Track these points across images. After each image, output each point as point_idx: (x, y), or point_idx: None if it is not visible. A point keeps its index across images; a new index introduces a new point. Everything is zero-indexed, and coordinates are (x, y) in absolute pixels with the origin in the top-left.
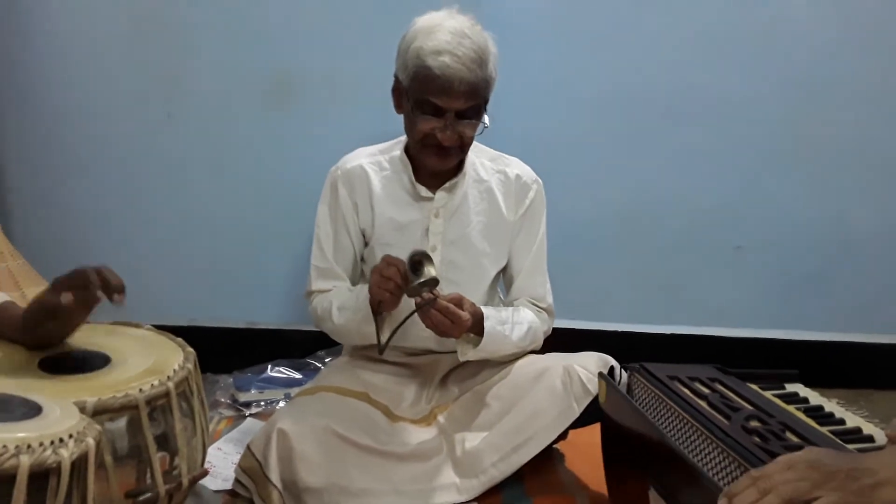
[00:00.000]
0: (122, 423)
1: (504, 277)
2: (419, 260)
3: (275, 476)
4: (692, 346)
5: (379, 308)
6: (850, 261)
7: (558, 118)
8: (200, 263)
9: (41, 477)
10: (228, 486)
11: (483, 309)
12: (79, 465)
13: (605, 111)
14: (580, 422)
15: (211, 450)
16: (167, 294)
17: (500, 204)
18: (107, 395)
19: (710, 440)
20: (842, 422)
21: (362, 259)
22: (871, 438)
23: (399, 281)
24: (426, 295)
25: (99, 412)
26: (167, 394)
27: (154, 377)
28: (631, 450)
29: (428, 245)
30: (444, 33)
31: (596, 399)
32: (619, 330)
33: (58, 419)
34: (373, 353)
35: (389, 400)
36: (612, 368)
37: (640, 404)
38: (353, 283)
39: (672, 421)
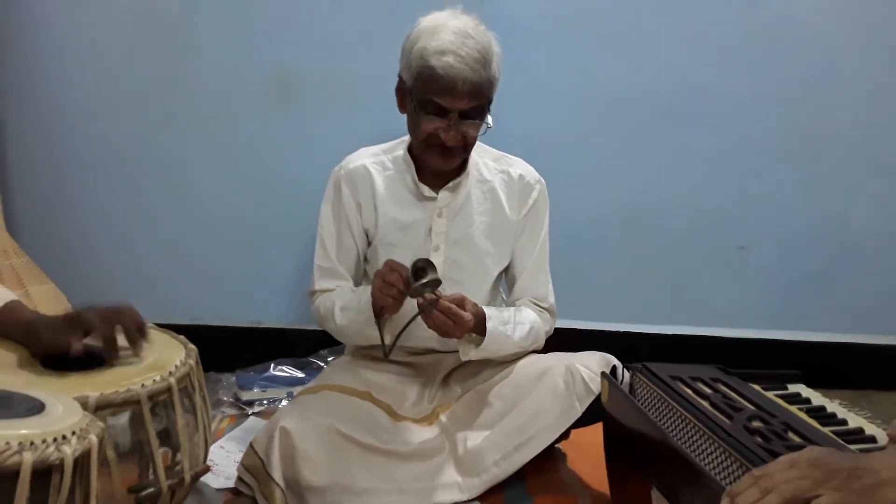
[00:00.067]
0: (124, 418)
1: (506, 277)
2: (422, 267)
3: (277, 474)
4: (693, 347)
5: (381, 311)
6: (851, 261)
7: (559, 118)
8: (202, 262)
9: (44, 474)
10: (231, 484)
11: (485, 309)
12: (82, 461)
13: (606, 111)
14: (582, 421)
15: (213, 448)
16: (169, 293)
17: (503, 204)
18: (109, 390)
19: (713, 440)
20: (844, 422)
21: (365, 259)
22: (873, 439)
23: (401, 287)
24: (429, 295)
25: (101, 407)
26: (169, 389)
27: (156, 373)
28: (633, 449)
29: (431, 245)
30: (448, 33)
31: (598, 398)
32: (621, 330)
33: (60, 416)
34: (375, 353)
35: (392, 399)
36: (614, 368)
37: (642, 404)
38: (357, 283)
39: (674, 421)
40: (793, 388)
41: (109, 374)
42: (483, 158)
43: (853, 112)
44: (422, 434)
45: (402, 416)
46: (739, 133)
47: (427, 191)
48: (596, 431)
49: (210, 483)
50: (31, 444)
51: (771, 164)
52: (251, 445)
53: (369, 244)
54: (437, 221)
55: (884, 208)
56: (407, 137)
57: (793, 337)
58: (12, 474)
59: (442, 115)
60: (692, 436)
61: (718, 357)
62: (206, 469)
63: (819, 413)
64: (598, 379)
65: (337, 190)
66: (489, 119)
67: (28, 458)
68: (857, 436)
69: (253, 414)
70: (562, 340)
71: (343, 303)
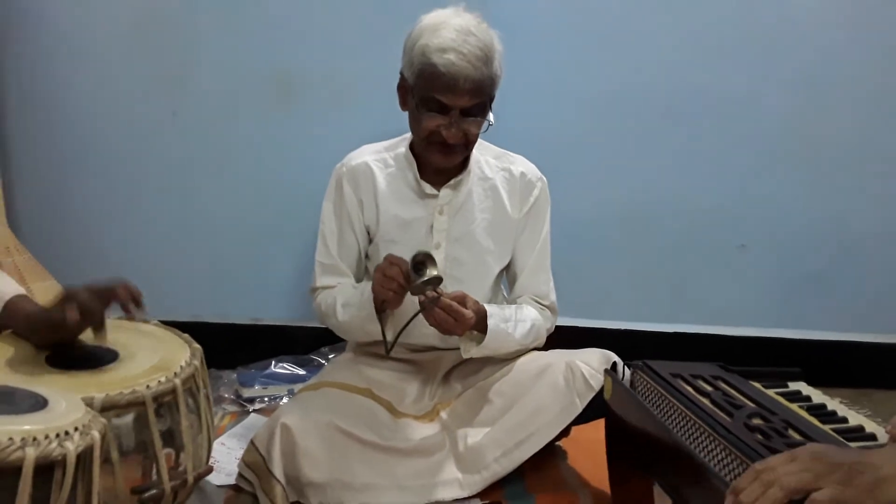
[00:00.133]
0: (128, 419)
1: (507, 275)
2: (422, 260)
3: (278, 471)
4: (694, 345)
5: (382, 307)
6: (851, 260)
7: (560, 118)
8: (204, 260)
9: (47, 469)
10: (232, 480)
11: (486, 307)
12: (84, 458)
13: (606, 111)
14: (582, 418)
15: (215, 445)
16: (170, 290)
17: (504, 201)
18: (114, 391)
19: (713, 437)
20: (844, 420)
21: (367, 256)
22: (873, 437)
23: (402, 281)
24: (430, 293)
25: (106, 408)
26: (174, 390)
27: (161, 373)
28: (636, 446)
29: (432, 242)
30: (450, 31)
31: (598, 395)
32: (622, 328)
33: (63, 412)
34: (376, 350)
35: (392, 396)
36: (614, 365)
37: (643, 401)
38: (358, 280)
39: (675, 418)
40: (793, 385)
41: (115, 374)
42: (484, 156)
43: (853, 112)
44: (422, 431)
45: (403, 413)
46: (739, 133)
47: (428, 188)
48: (596, 428)
49: (211, 480)
50: (34, 439)
51: (771, 164)
52: (252, 442)
53: (371, 241)
54: (438, 219)
55: (884, 208)
56: (409, 135)
57: (793, 335)
58: (15, 470)
59: (443, 113)
60: (693, 433)
61: (719, 355)
62: (209, 470)
63: (819, 411)
64: (599, 376)
65: (339, 187)
66: (491, 117)
67: (31, 453)
68: (858, 433)
69: (254, 411)
70: (563, 338)
71: (344, 299)
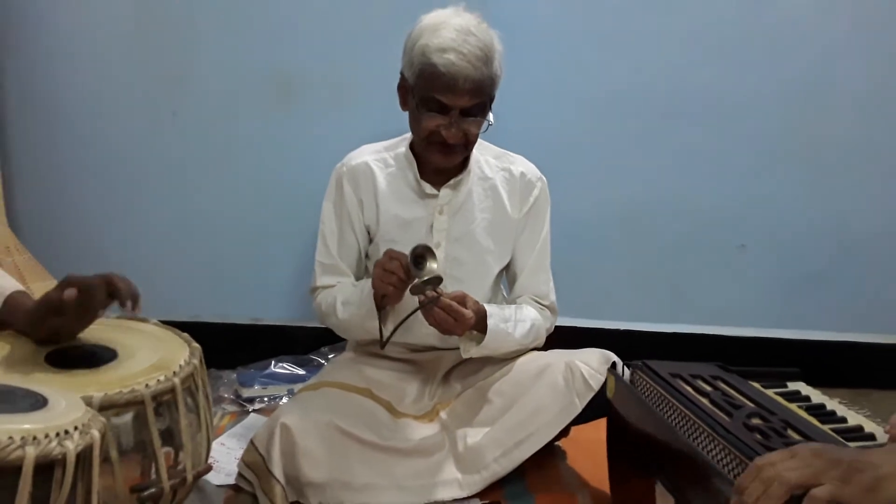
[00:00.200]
0: (127, 418)
1: (507, 275)
2: (421, 253)
3: (278, 471)
4: (694, 345)
5: (383, 302)
6: (850, 261)
7: (560, 118)
8: (204, 260)
9: (46, 469)
10: (231, 480)
11: (486, 307)
12: (84, 457)
13: (606, 111)
14: (582, 418)
15: (214, 445)
16: (170, 290)
17: (504, 201)
18: (113, 390)
19: (712, 437)
20: (843, 420)
21: (367, 255)
22: (872, 437)
23: (402, 274)
24: (430, 293)
25: (105, 407)
26: (173, 389)
27: (160, 372)
28: (638, 445)
29: (432, 242)
30: (450, 31)
31: (598, 395)
32: (621, 328)
33: (63, 411)
34: (376, 350)
35: (392, 396)
36: (613, 365)
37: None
38: (358, 280)
39: (674, 418)
40: (792, 385)
41: (113, 373)
42: (484, 156)
43: (853, 112)
44: (422, 431)
45: (403, 413)
46: (739, 133)
47: (428, 188)
48: (596, 428)
49: (211, 480)
50: (34, 438)
51: (771, 164)
52: (252, 442)
53: (371, 241)
54: (438, 218)
55: (884, 208)
56: (409, 135)
57: (793, 336)
58: (15, 469)
59: (443, 113)
60: (692, 433)
61: (718, 356)
62: (208, 469)
63: (818, 410)
64: (598, 376)
65: (339, 186)
66: (490, 117)
67: (31, 452)
68: (857, 433)
69: (253, 411)
70: (562, 338)
71: (345, 297)
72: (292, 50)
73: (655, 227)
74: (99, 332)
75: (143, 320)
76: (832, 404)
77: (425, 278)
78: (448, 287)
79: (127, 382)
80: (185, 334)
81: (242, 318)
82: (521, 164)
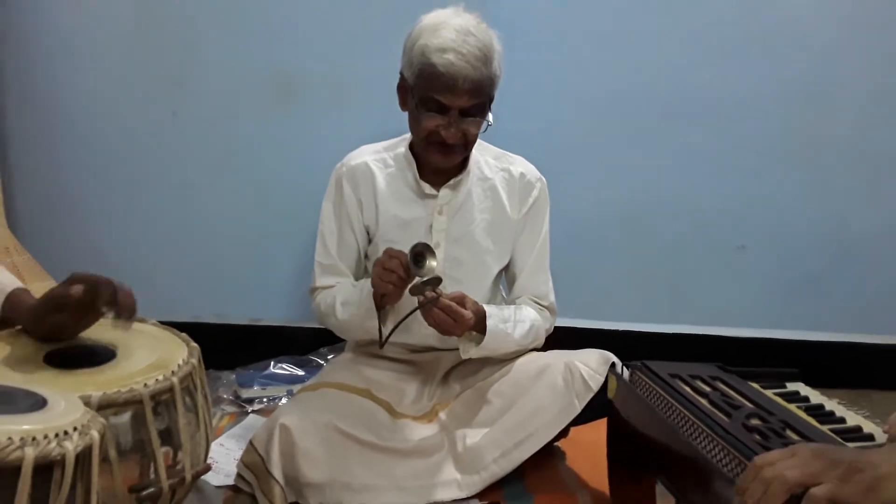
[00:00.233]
0: (126, 417)
1: (507, 275)
2: (421, 252)
3: (277, 471)
4: (693, 346)
5: (382, 301)
6: (850, 261)
7: (560, 118)
8: (203, 261)
9: (46, 469)
10: (231, 481)
11: (485, 307)
12: (83, 457)
13: (606, 111)
14: (581, 418)
15: (213, 446)
16: (170, 291)
17: (503, 202)
18: (111, 389)
19: (711, 437)
20: (842, 420)
21: (366, 256)
22: (871, 437)
23: (401, 273)
24: (429, 293)
25: (104, 407)
26: (171, 389)
27: (158, 372)
28: (639, 446)
29: (431, 242)
30: (450, 31)
31: (597, 396)
32: (621, 329)
33: (62, 412)
34: (375, 350)
35: (391, 396)
36: (613, 365)
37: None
38: (357, 280)
39: (673, 418)
40: (791, 386)
41: (112, 372)
42: (484, 156)
43: (853, 112)
44: (421, 431)
45: (402, 414)
46: (739, 133)
47: (428, 188)
48: (595, 429)
49: (210, 480)
50: (33, 439)
51: (771, 164)
52: (251, 443)
53: (370, 241)
54: (437, 219)
55: (884, 208)
56: (408, 135)
57: (792, 336)
58: (14, 470)
59: (443, 113)
60: (691, 433)
61: (718, 356)
62: (207, 468)
63: (817, 411)
64: (598, 376)
65: (338, 187)
66: (490, 117)
67: (30, 453)
68: (855, 433)
69: (253, 412)
70: (561, 339)
71: (344, 297)
72: (292, 50)
73: (655, 227)
74: (97, 331)
75: (142, 320)
76: (831, 405)
77: (425, 278)
78: (447, 287)
79: (125, 382)
80: (184, 334)
81: (242, 318)
82: (521, 165)
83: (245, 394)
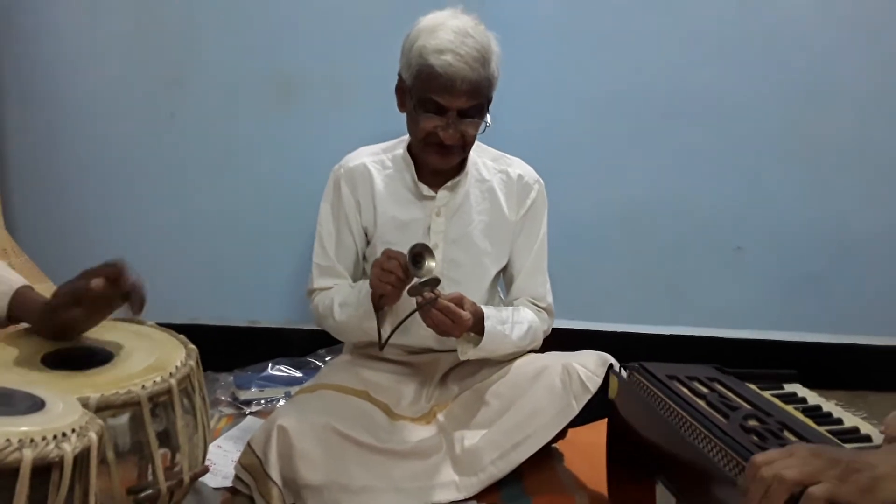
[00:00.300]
0: (124, 419)
1: (504, 277)
2: (419, 252)
3: (275, 473)
4: (691, 347)
5: (380, 302)
6: (850, 262)
7: (559, 118)
8: (202, 262)
9: (44, 471)
10: (228, 483)
11: (483, 308)
12: (81, 459)
13: (605, 112)
14: (579, 420)
15: (211, 447)
16: (169, 293)
17: (501, 203)
18: (109, 391)
19: (709, 439)
20: (839, 421)
21: (364, 257)
22: (868, 438)
23: (400, 274)
24: (427, 294)
25: (101, 408)
26: (169, 390)
27: (156, 374)
28: (640, 446)
29: (430, 243)
30: (448, 32)
31: (595, 397)
32: (619, 330)
33: (61, 413)
34: (373, 352)
35: (389, 398)
36: (611, 367)
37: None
38: (355, 282)
39: (671, 420)
40: (789, 387)
41: (110, 374)
42: (482, 158)
43: (853, 112)
44: (419, 433)
45: (400, 416)
46: (739, 133)
47: (426, 190)
48: (593, 430)
49: (208, 482)
50: (32, 441)
51: (771, 164)
52: (249, 444)
53: (368, 243)
54: (435, 220)
55: (884, 208)
56: (407, 136)
57: (791, 338)
58: (12, 471)
59: (441, 114)
60: (689, 434)
61: (716, 357)
62: (205, 470)
63: (815, 412)
64: (595, 378)
65: (336, 188)
66: (488, 118)
67: (28, 455)
68: (853, 435)
69: (251, 413)
70: (560, 340)
71: (342, 298)
72: (292, 50)
73: (655, 228)
74: (96, 333)
75: (140, 322)
76: (829, 406)
77: (423, 279)
78: (445, 289)
79: (123, 383)
80: (182, 336)
81: (240, 320)
82: (519, 167)
83: (243, 395)
